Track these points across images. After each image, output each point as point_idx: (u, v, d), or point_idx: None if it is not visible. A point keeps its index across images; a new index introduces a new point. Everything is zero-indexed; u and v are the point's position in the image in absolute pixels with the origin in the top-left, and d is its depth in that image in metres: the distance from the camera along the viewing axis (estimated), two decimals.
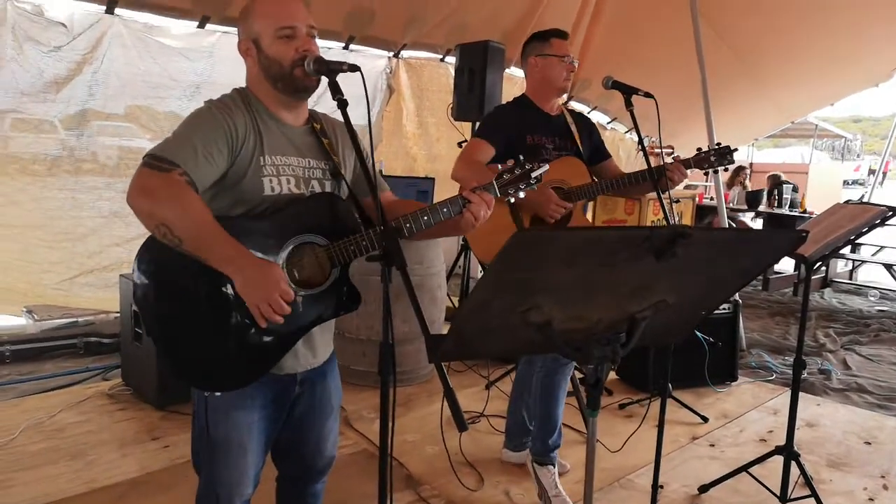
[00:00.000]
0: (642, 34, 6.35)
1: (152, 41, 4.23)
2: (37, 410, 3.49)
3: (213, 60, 4.35)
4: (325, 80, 1.63)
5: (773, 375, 4.64)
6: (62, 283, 4.46)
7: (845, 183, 20.06)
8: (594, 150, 2.91)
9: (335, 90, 1.59)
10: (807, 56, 7.24)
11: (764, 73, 7.59)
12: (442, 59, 5.93)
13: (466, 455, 3.12)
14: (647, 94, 2.46)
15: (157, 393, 3.57)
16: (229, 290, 1.55)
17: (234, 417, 1.66)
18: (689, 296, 1.14)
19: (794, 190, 8.46)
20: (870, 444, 3.58)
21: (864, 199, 9.41)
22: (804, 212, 7.98)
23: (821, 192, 11.83)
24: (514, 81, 6.34)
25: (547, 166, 1.78)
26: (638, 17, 6.21)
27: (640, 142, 2.48)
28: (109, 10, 4.11)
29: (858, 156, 29.59)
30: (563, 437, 2.98)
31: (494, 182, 1.72)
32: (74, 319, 4.76)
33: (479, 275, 6.05)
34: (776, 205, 8.25)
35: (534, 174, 1.75)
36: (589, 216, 3.17)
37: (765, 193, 8.53)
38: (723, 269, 1.07)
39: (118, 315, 4.18)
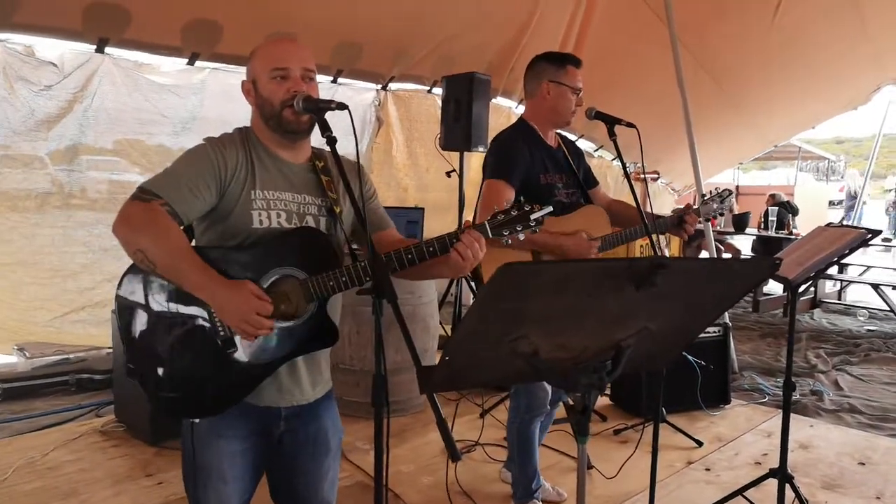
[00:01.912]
0: (624, 64, 6.47)
1: (142, 78, 4.28)
2: (29, 449, 3.47)
3: (202, 96, 4.40)
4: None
5: (765, 398, 4.66)
6: (53, 321, 4.44)
7: (831, 203, 20.30)
8: (585, 177, 2.89)
9: (324, 128, 1.63)
10: (787, 82, 7.40)
11: (745, 100, 7.74)
12: (429, 91, 6.02)
13: (462, 485, 3.12)
14: (630, 125, 2.51)
15: (150, 429, 3.55)
16: (201, 317, 1.60)
17: (216, 445, 1.68)
18: (671, 322, 1.17)
19: (793, 213, 8.53)
20: (864, 464, 3.60)
21: (846, 222, 9.53)
22: (790, 234, 8.07)
23: (807, 213, 11.96)
24: (500, 111, 6.44)
25: (550, 208, 1.71)
26: (619, 48, 6.33)
27: (625, 169, 2.54)
28: (100, 50, 4.16)
29: (842, 177, 29.97)
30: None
31: (486, 223, 1.69)
32: (66, 356, 4.73)
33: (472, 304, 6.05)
34: (762, 227, 8.34)
35: (533, 216, 1.68)
36: None
37: (771, 212, 8.47)
38: (701, 296, 1.11)
39: (110, 351, 4.18)
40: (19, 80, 3.93)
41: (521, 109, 7.04)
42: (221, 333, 1.60)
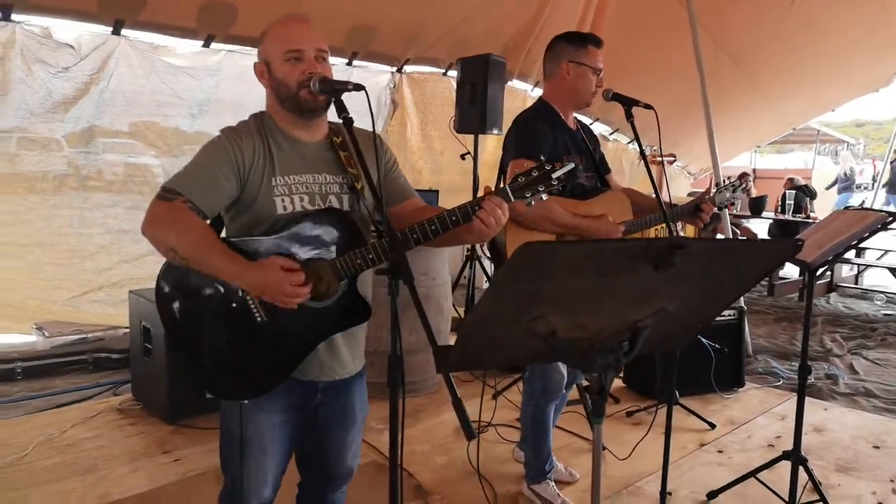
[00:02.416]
0: (642, 46, 6.39)
1: (158, 60, 4.28)
2: (48, 426, 3.53)
3: (218, 78, 4.40)
4: None
5: (780, 381, 4.65)
6: (72, 300, 4.50)
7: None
8: (599, 161, 2.86)
9: (340, 109, 1.64)
10: (806, 64, 7.30)
11: (764, 82, 7.63)
12: (444, 74, 5.99)
13: (475, 465, 3.14)
14: (647, 106, 2.48)
15: (167, 407, 3.60)
16: (238, 303, 1.65)
17: (257, 419, 1.75)
18: (689, 304, 1.17)
19: (811, 196, 8.43)
20: (878, 448, 3.59)
21: (865, 205, 9.42)
22: (807, 217, 7.99)
23: (824, 197, 11.84)
24: (515, 94, 6.39)
25: (572, 164, 1.66)
26: (637, 30, 6.26)
27: (642, 153, 2.52)
28: (116, 32, 4.16)
29: (862, 160, 29.61)
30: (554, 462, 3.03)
31: (507, 186, 1.66)
32: (84, 335, 4.80)
33: (486, 286, 6.08)
34: (779, 210, 8.27)
35: (555, 175, 1.64)
36: None
37: (788, 195, 8.36)
38: (720, 278, 1.10)
39: (127, 330, 4.22)
40: (37, 62, 3.94)
41: (537, 92, 7.02)
42: (259, 319, 1.66)
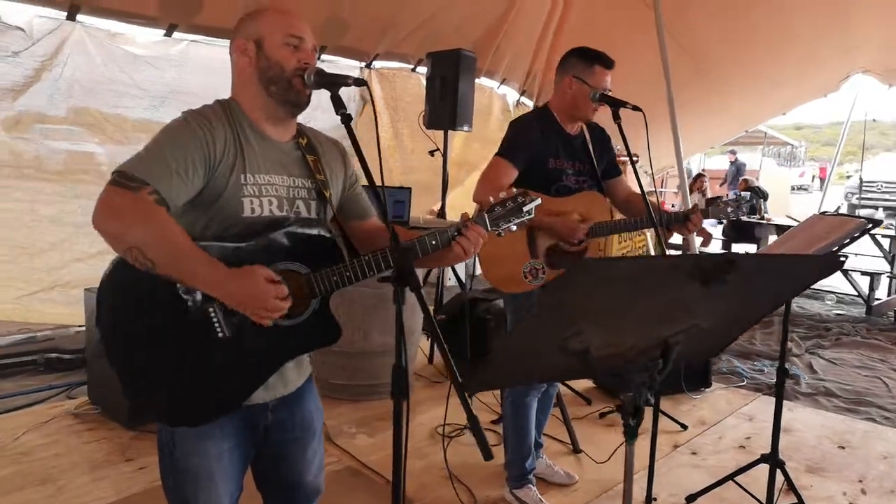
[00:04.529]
0: (604, 45, 6.42)
1: (117, 49, 4.09)
2: None
3: (181, 70, 4.22)
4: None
5: (743, 381, 4.72)
6: (21, 299, 4.27)
7: (793, 188, 20.78)
8: (607, 166, 2.87)
9: (338, 104, 1.55)
10: (763, 67, 7.44)
11: (721, 83, 7.77)
12: (413, 70, 5.90)
13: (452, 468, 3.08)
14: (636, 108, 2.46)
15: (126, 412, 3.43)
16: (196, 315, 1.46)
17: (202, 448, 1.57)
18: (722, 320, 1.13)
19: (763, 198, 8.65)
20: (843, 448, 3.67)
21: (823, 209, 9.70)
22: (761, 219, 8.18)
23: (772, 198, 12.16)
24: (482, 91, 6.34)
25: (539, 200, 1.70)
26: (601, 29, 6.29)
27: (629, 154, 2.49)
28: (71, 17, 3.96)
29: (803, 162, 30.74)
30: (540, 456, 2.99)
31: (486, 217, 1.66)
32: (32, 334, 4.57)
33: (451, 283, 6.03)
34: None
35: (525, 208, 1.68)
36: None
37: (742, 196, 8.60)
38: (760, 293, 1.07)
39: (79, 329, 4.03)
40: None
41: (503, 90, 6.99)
42: (220, 334, 1.47)
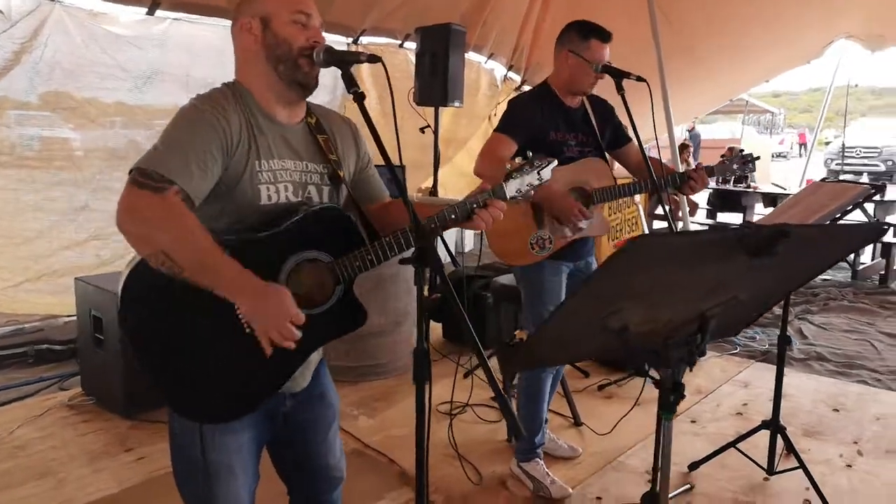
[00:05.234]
0: (591, 17, 6.36)
1: (98, 29, 3.96)
2: None
3: (164, 49, 4.09)
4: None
5: (736, 349, 4.77)
6: (7, 290, 4.18)
7: (773, 156, 20.96)
8: (613, 135, 2.85)
9: (350, 82, 1.50)
10: (747, 34, 7.42)
11: (706, 51, 7.74)
12: (401, 45, 5.80)
13: (456, 446, 3.08)
14: (640, 78, 2.44)
15: (123, 401, 3.39)
16: (227, 319, 1.41)
17: (222, 443, 1.54)
18: (762, 291, 1.12)
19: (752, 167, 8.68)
20: (838, 411, 3.72)
21: (807, 176, 9.76)
22: (748, 187, 8.22)
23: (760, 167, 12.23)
24: (470, 66, 6.26)
25: (555, 162, 1.67)
26: (588, 1, 6.22)
27: (634, 127, 2.47)
28: None
29: (782, 129, 31.02)
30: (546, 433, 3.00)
31: (505, 190, 1.61)
32: (20, 326, 4.49)
33: (446, 262, 5.97)
34: (720, 180, 8.47)
35: (542, 171, 1.64)
36: None
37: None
38: (801, 263, 1.05)
39: (68, 319, 3.95)
40: None
41: (491, 65, 6.91)
42: (247, 330, 1.42)
